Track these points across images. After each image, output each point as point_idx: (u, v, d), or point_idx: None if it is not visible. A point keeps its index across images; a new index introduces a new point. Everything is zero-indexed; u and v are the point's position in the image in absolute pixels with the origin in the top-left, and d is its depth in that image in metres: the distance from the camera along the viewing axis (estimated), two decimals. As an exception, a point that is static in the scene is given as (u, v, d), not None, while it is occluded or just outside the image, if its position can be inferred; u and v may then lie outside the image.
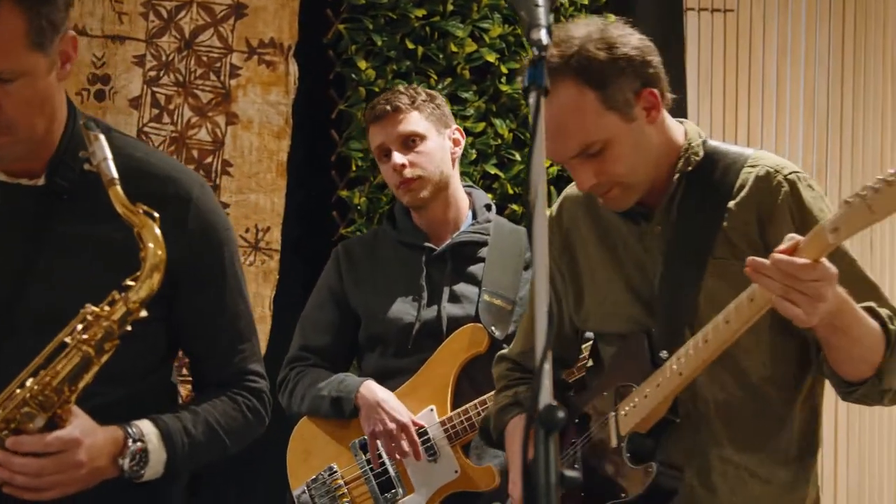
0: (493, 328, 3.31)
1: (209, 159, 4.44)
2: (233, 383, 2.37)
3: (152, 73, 4.44)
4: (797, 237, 2.08)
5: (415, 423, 3.27)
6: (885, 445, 5.03)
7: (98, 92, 4.44)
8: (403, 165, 3.30)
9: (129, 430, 2.22)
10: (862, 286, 2.30)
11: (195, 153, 4.43)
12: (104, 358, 2.15)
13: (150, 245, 2.13)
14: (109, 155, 2.13)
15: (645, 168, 2.34)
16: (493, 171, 4.57)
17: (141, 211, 2.14)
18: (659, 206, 2.40)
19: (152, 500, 2.31)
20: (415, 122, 3.33)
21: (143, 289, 2.14)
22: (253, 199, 4.44)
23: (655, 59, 2.35)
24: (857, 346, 2.23)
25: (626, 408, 2.40)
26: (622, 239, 2.46)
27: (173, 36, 4.45)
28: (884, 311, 2.27)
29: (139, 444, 2.21)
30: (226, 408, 2.35)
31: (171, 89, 4.45)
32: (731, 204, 2.36)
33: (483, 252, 3.39)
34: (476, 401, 3.27)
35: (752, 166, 2.38)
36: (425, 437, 3.28)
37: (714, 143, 2.44)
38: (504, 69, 4.60)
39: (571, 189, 2.59)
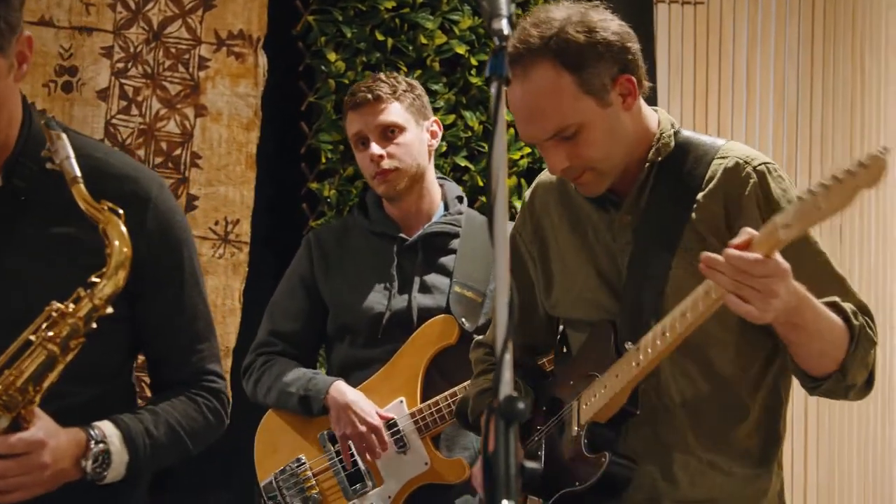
0: (463, 320, 3.31)
1: (178, 151, 4.41)
2: (191, 383, 2.37)
3: (120, 65, 4.41)
4: (751, 231, 2.07)
5: (384, 416, 3.27)
6: (853, 443, 5.04)
7: (65, 84, 4.40)
8: (381, 156, 3.29)
9: (92, 432, 2.20)
10: (826, 280, 2.30)
11: (164, 145, 4.40)
12: (69, 356, 2.14)
13: (116, 242, 2.13)
14: (72, 153, 2.13)
15: (618, 154, 2.34)
16: (463, 163, 4.57)
17: (106, 208, 2.13)
18: (629, 195, 2.40)
19: (114, 501, 2.30)
20: (395, 112, 3.31)
21: (109, 285, 2.13)
22: (222, 191, 4.42)
23: (634, 46, 2.34)
24: (818, 341, 2.23)
25: (588, 397, 2.40)
26: (592, 226, 2.46)
27: (141, 27, 4.42)
28: (848, 306, 2.27)
29: (101, 445, 2.20)
30: (186, 408, 2.34)
31: (139, 81, 4.42)
32: (700, 195, 2.36)
33: (454, 243, 3.39)
34: (446, 392, 3.27)
35: (723, 157, 2.37)
36: (395, 430, 3.28)
37: (687, 133, 2.43)
38: (474, 61, 4.60)
39: (544, 175, 2.59)
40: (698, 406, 2.38)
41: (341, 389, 3.28)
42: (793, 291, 2.11)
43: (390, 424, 3.27)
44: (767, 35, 5.03)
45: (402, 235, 3.37)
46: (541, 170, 4.69)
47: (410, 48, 4.54)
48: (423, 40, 4.54)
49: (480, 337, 2.78)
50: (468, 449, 3.32)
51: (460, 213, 3.42)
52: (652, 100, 4.79)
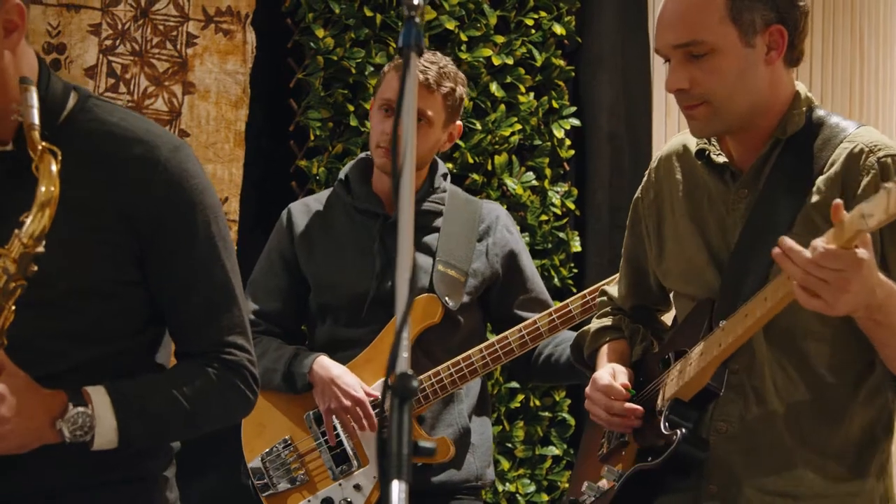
0: (446, 298, 3.28)
1: (166, 129, 4.37)
2: (208, 355, 2.27)
3: (108, 43, 4.37)
4: (842, 213, 1.98)
5: (369, 394, 3.24)
6: None
7: (53, 61, 4.36)
8: (400, 136, 3.22)
9: (72, 394, 2.15)
10: None
11: (152, 123, 4.37)
12: (10, 301, 2.09)
13: (43, 181, 2.09)
14: (35, 104, 2.09)
15: (741, 101, 2.26)
16: (453, 140, 4.53)
17: (42, 147, 2.09)
18: (748, 168, 2.34)
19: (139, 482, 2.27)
20: (433, 105, 3.25)
21: (33, 225, 2.08)
22: (210, 169, 4.38)
23: (804, 5, 2.28)
24: None
25: (674, 373, 2.36)
26: (709, 196, 2.39)
27: (129, 4, 4.38)
28: None
29: (81, 408, 2.14)
30: (194, 379, 2.25)
31: (127, 59, 4.38)
32: (820, 179, 2.26)
33: (438, 222, 3.35)
34: (430, 371, 3.24)
35: (850, 142, 2.26)
36: (379, 409, 3.25)
37: (822, 112, 2.33)
38: (464, 37, 4.55)
39: (671, 144, 2.52)
40: (792, 398, 2.30)
41: (325, 364, 3.25)
42: (871, 287, 2.02)
43: (375, 404, 3.24)
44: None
45: (386, 213, 3.33)
46: (532, 147, 4.69)
47: (400, 24, 4.49)
48: (413, 16, 4.48)
49: (607, 287, 2.75)
50: (452, 426, 3.30)
51: (444, 191, 3.38)
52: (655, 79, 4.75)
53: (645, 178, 2.56)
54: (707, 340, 2.28)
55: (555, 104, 4.68)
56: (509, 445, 4.56)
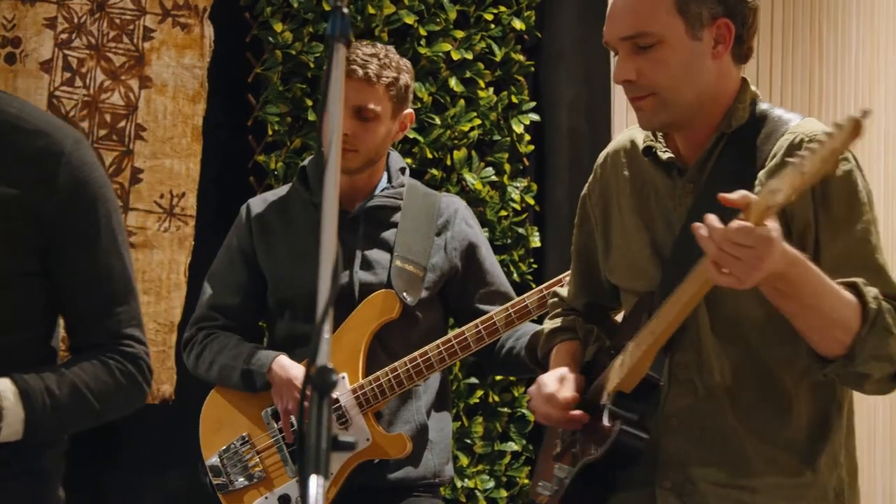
0: (404, 294, 3.26)
1: (122, 124, 4.34)
2: (106, 347, 2.30)
3: (64, 36, 4.33)
4: (749, 196, 2.02)
5: (326, 395, 3.22)
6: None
7: (8, 55, 4.32)
8: (346, 135, 3.20)
9: None
10: (859, 264, 2.21)
11: (108, 117, 4.33)
12: None
13: None
14: None
15: (687, 93, 2.26)
16: (412, 135, 4.52)
17: None
18: (694, 163, 2.34)
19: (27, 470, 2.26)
20: (377, 99, 3.22)
21: None
22: (168, 164, 4.35)
23: (752, 2, 2.29)
24: (816, 317, 2.15)
25: (615, 366, 2.35)
26: (655, 191, 2.40)
27: (85, -2, 4.34)
28: (871, 290, 2.17)
29: None
30: (96, 371, 2.27)
31: (83, 52, 4.34)
32: (762, 173, 2.27)
33: (396, 217, 3.33)
34: (388, 367, 3.23)
35: (791, 134, 2.27)
36: (336, 405, 3.23)
37: (765, 105, 2.33)
38: (423, 31, 4.54)
39: (618, 139, 2.52)
40: (741, 389, 2.30)
41: (284, 364, 3.23)
42: (778, 257, 2.04)
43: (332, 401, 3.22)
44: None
45: (343, 208, 3.31)
46: (492, 142, 4.68)
47: (359, 18, 4.48)
48: (372, 10, 4.47)
49: (560, 290, 2.75)
50: (409, 423, 3.29)
51: (402, 186, 3.36)
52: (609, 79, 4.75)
53: (592, 175, 2.56)
54: (641, 331, 2.28)
55: (514, 99, 4.68)
56: (468, 441, 4.55)
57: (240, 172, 4.44)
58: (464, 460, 4.52)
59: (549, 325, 2.68)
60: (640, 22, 2.25)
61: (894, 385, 2.25)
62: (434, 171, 4.54)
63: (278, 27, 4.39)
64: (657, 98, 2.27)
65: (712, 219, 2.03)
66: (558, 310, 2.70)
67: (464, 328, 3.24)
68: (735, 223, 2.00)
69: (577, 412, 2.41)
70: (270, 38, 4.40)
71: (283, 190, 3.45)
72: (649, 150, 2.40)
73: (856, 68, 4.80)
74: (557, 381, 2.45)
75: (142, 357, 2.33)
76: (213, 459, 3.35)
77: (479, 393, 4.55)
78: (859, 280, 2.18)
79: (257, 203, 3.41)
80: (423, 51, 4.53)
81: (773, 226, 2.01)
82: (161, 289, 4.32)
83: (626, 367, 2.30)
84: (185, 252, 4.34)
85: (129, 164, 4.34)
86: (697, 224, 2.05)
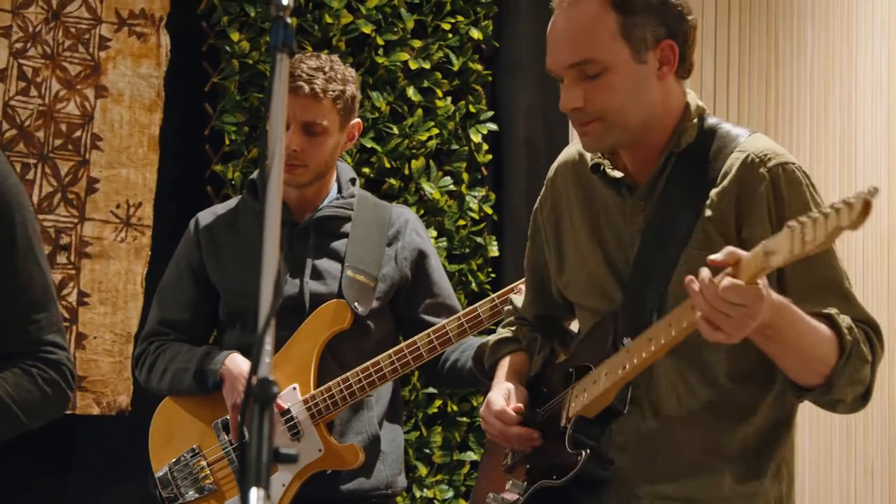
0: (356, 304, 3.25)
1: (78, 133, 4.32)
2: (28, 354, 2.30)
3: (19, 45, 4.31)
4: (737, 252, 2.00)
5: (277, 406, 3.20)
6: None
7: (-37, 65, 4.30)
8: (295, 151, 3.20)
9: None
10: (829, 292, 2.22)
11: (63, 127, 4.31)
12: None
13: None
14: None
15: (635, 117, 2.26)
16: (369, 144, 4.51)
17: None
18: (644, 182, 2.33)
19: None
20: (324, 114, 3.20)
21: None
22: (124, 174, 4.34)
23: (692, 20, 2.28)
24: (797, 355, 2.16)
25: (579, 391, 2.34)
26: (605, 209, 2.39)
27: (40, 7, 4.32)
28: (844, 320, 2.19)
29: None
30: (18, 380, 2.27)
31: (38, 62, 4.32)
32: (714, 192, 2.26)
33: (346, 227, 3.32)
34: (339, 378, 3.22)
35: (741, 151, 2.26)
36: (288, 416, 3.22)
37: (713, 120, 2.33)
38: (381, 41, 4.54)
39: (567, 152, 2.51)
40: (692, 406, 2.31)
41: (236, 361, 3.22)
42: (766, 310, 2.03)
43: (283, 413, 3.21)
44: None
45: (293, 220, 3.30)
46: (450, 152, 4.68)
47: (316, 28, 4.47)
48: (329, 20, 4.47)
49: (512, 296, 2.75)
50: (361, 434, 3.28)
51: (352, 196, 3.36)
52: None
53: (543, 188, 2.55)
54: (612, 360, 2.27)
55: (472, 108, 4.68)
56: (427, 451, 4.54)
57: (197, 182, 4.43)
58: (422, 470, 4.51)
59: (495, 335, 2.68)
60: (585, 49, 2.23)
61: (864, 404, 2.27)
62: (392, 181, 4.54)
63: (235, 36, 4.38)
64: (604, 123, 2.26)
65: (705, 274, 2.02)
66: (510, 318, 2.70)
67: (416, 338, 3.24)
68: (727, 281, 1.98)
69: (530, 430, 2.41)
70: (227, 48, 4.39)
71: (232, 202, 3.45)
72: (597, 167, 2.39)
73: (811, 74, 4.82)
74: (504, 398, 2.45)
75: (64, 363, 2.33)
76: (162, 472, 3.33)
77: (438, 403, 4.54)
78: (833, 311, 2.19)
79: (205, 216, 3.40)
80: (380, 60, 4.53)
81: (763, 283, 2.00)
82: (118, 299, 4.31)
83: (592, 395, 2.30)
84: (142, 262, 4.32)
85: (85, 174, 4.32)
86: (690, 277, 2.03)
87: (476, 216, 4.65)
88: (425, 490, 4.51)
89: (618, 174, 2.37)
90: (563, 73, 2.26)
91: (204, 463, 3.30)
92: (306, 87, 3.17)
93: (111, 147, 4.34)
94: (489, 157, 4.71)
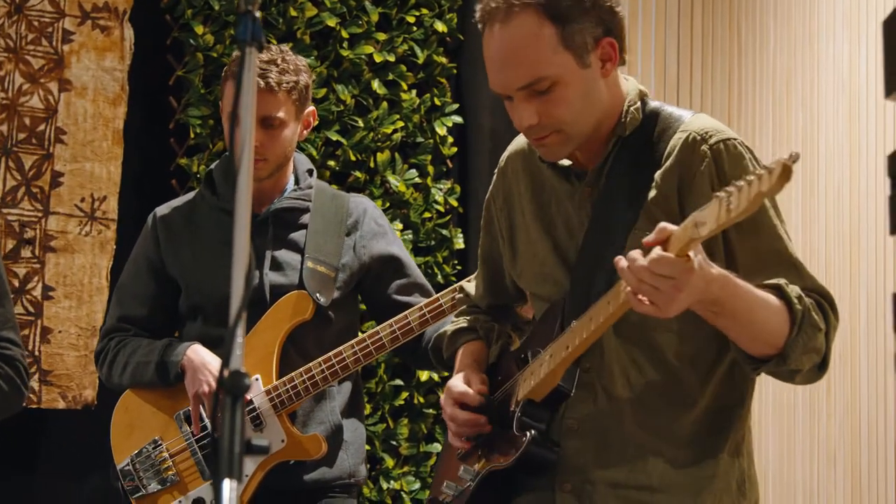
0: (317, 294, 3.26)
1: (42, 127, 4.31)
2: None
3: (-19, 39, 4.30)
4: (669, 227, 2.01)
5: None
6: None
7: (-75, 59, 4.28)
8: (255, 146, 3.20)
9: None
10: (776, 262, 2.23)
11: (27, 121, 4.30)
12: None
13: None
14: None
15: (589, 120, 2.26)
16: (335, 137, 4.52)
17: None
18: (592, 168, 2.34)
19: None
20: (279, 106, 3.21)
21: None
22: (88, 167, 4.33)
23: (622, 11, 2.27)
24: (749, 328, 2.17)
25: (527, 374, 2.35)
26: (556, 197, 2.39)
27: (2, 0, 4.30)
28: (793, 290, 2.19)
29: None
30: None
31: (1, 55, 4.31)
32: (658, 173, 2.27)
33: (305, 218, 3.33)
34: (302, 368, 3.23)
35: (683, 132, 2.27)
36: (251, 407, 3.23)
37: (655, 104, 2.34)
38: (345, 34, 4.54)
39: (516, 142, 2.51)
40: (643, 391, 2.31)
41: (198, 351, 3.23)
42: (704, 286, 2.04)
43: (246, 403, 3.22)
44: (648, 7, 5.02)
45: (253, 212, 3.30)
46: (415, 144, 4.69)
47: (280, 21, 4.47)
48: (294, 12, 4.47)
49: (467, 286, 2.74)
50: (324, 423, 3.29)
51: (310, 188, 3.37)
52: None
53: (494, 178, 2.56)
54: (557, 342, 2.28)
55: (437, 101, 4.69)
56: (393, 443, 4.56)
57: (162, 175, 4.42)
58: (389, 462, 4.52)
59: (452, 325, 2.69)
60: (532, 70, 2.21)
61: (820, 374, 2.28)
62: (357, 174, 4.54)
63: (199, 29, 4.38)
64: (562, 134, 2.26)
65: (634, 254, 2.03)
66: (463, 307, 2.71)
67: (378, 328, 3.25)
68: (654, 253, 2.00)
69: (477, 416, 2.42)
70: (191, 41, 4.39)
71: (189, 196, 3.46)
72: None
73: (773, 67, 4.85)
74: (465, 383, 2.46)
75: (18, 359, 2.33)
76: (124, 464, 3.34)
77: (405, 395, 4.56)
78: (782, 281, 2.20)
79: (163, 211, 3.42)
80: (345, 53, 4.53)
81: (694, 256, 2.01)
82: (83, 293, 4.30)
83: (538, 377, 2.31)
84: (107, 256, 4.32)
85: (49, 168, 4.31)
86: (619, 258, 2.05)
87: (441, 209, 4.67)
88: (392, 482, 4.52)
89: (567, 162, 2.38)
90: (513, 94, 2.26)
91: (166, 454, 3.31)
92: (261, 82, 3.17)
93: (75, 141, 4.33)
94: (454, 149, 4.72)
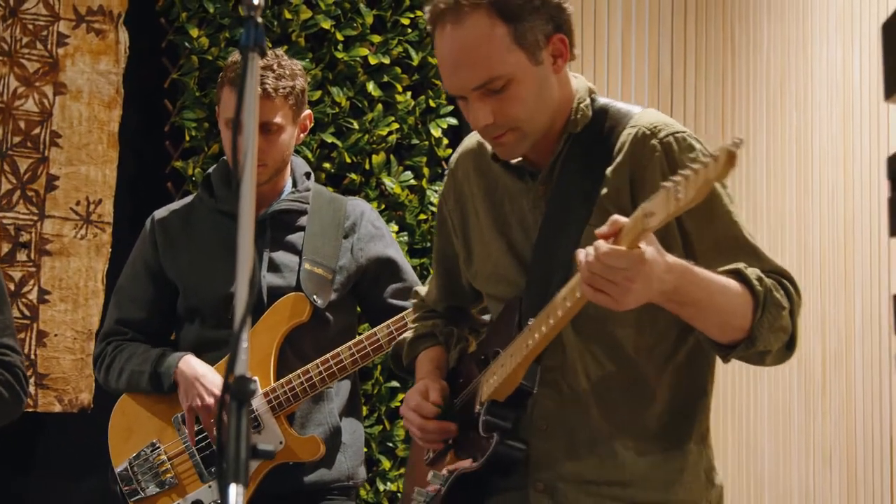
0: (314, 297, 3.27)
1: (37, 131, 4.31)
2: None
3: (-24, 43, 4.30)
4: (620, 220, 2.02)
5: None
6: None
7: (-80, 63, 4.28)
8: None
9: None
10: (734, 246, 2.25)
11: (22, 124, 4.30)
12: None
13: None
14: None
15: (543, 117, 2.27)
16: (330, 139, 4.52)
17: None
18: (545, 166, 2.35)
19: None
20: (276, 111, 3.21)
21: None
22: (84, 171, 4.33)
23: (570, 7, 2.29)
24: (715, 315, 2.18)
25: (489, 375, 2.36)
26: (509, 196, 2.40)
27: (-3, 4, 4.31)
28: (753, 272, 2.21)
29: None
30: None
31: (-4, 59, 4.31)
32: (609, 169, 2.29)
33: (303, 221, 3.34)
34: (299, 370, 3.23)
35: (633, 127, 2.30)
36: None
37: (604, 100, 2.36)
38: (340, 36, 4.55)
39: (467, 141, 2.52)
40: (605, 386, 2.32)
41: (191, 363, 3.23)
42: (658, 279, 2.05)
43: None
44: (642, 8, 5.04)
45: (250, 213, 3.32)
46: (410, 146, 4.69)
47: (275, 24, 4.48)
48: (289, 15, 4.48)
49: (420, 290, 2.74)
50: (322, 425, 3.30)
51: (308, 190, 3.38)
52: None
53: (445, 179, 2.56)
54: (516, 341, 2.29)
55: (432, 103, 4.70)
56: (390, 445, 4.56)
57: (157, 178, 4.43)
58: (386, 464, 4.52)
59: (410, 332, 2.68)
60: (486, 69, 2.22)
61: (789, 354, 2.30)
62: (353, 176, 4.55)
63: (194, 32, 4.38)
64: (518, 132, 2.28)
65: (593, 246, 2.04)
66: (420, 313, 2.70)
67: (375, 329, 3.26)
68: (606, 246, 2.01)
69: (446, 423, 2.43)
70: (186, 44, 4.39)
71: (188, 199, 3.47)
72: (497, 156, 2.40)
73: (767, 69, 4.87)
74: (421, 394, 2.47)
75: (18, 366, 2.33)
76: (122, 467, 3.34)
77: (401, 396, 4.56)
78: (741, 265, 2.22)
79: (161, 214, 3.43)
80: (340, 55, 4.54)
81: (646, 247, 2.02)
82: (78, 296, 4.30)
83: (500, 378, 2.32)
84: (103, 259, 4.32)
85: (44, 171, 4.31)
86: (579, 250, 2.06)
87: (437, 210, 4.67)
88: (389, 484, 4.52)
89: (518, 160, 2.38)
90: (467, 94, 2.27)
91: (164, 457, 3.31)
92: (258, 88, 3.17)
93: (70, 144, 4.33)
94: (449, 151, 4.73)
